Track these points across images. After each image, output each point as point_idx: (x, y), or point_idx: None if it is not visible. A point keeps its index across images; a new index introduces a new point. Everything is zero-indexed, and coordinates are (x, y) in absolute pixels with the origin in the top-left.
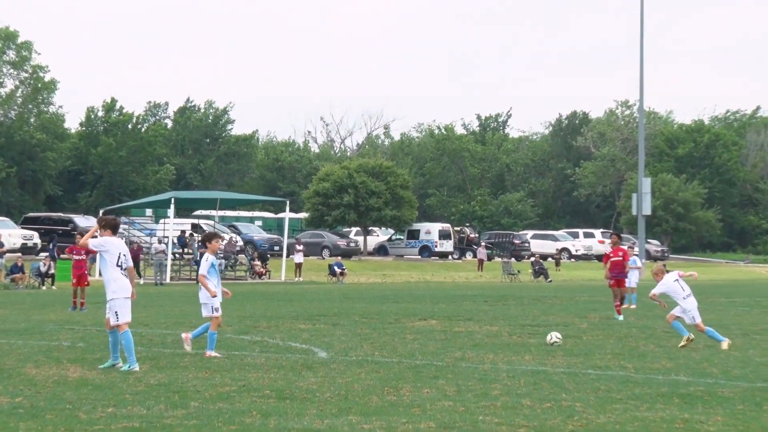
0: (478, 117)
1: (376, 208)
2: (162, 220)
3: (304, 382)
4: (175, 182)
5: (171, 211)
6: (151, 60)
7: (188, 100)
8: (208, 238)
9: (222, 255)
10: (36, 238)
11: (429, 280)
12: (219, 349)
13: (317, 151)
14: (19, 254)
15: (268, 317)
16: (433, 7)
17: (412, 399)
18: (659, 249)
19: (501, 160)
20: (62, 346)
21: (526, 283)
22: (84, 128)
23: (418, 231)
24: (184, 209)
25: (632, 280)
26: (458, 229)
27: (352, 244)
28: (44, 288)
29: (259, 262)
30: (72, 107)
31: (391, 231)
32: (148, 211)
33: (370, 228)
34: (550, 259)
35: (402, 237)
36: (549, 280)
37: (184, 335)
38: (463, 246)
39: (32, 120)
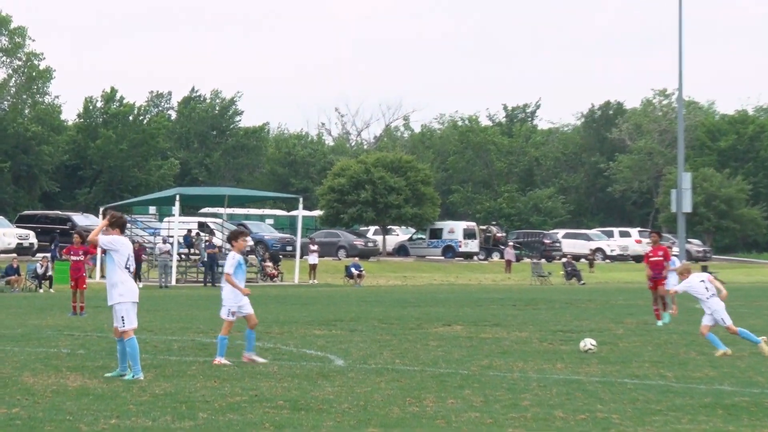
0: (505, 107)
1: (395, 205)
2: (166, 219)
3: (319, 392)
4: (180, 178)
5: (176, 209)
6: (153, 47)
7: (193, 89)
8: (235, 236)
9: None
10: (32, 238)
11: (453, 283)
12: (228, 356)
13: (332, 144)
14: (15, 255)
15: (281, 322)
16: None
17: (436, 410)
18: (701, 249)
19: (529, 154)
20: (61, 353)
21: (558, 286)
22: (82, 120)
23: (441, 230)
24: (190, 207)
25: (671, 282)
26: (484, 227)
27: (370, 244)
28: (41, 291)
29: (270, 264)
30: (69, 98)
31: (412, 230)
32: (152, 209)
33: (388, 227)
34: (583, 260)
35: (424, 236)
36: (582, 282)
37: (247, 358)
38: (490, 246)
39: (26, 111)
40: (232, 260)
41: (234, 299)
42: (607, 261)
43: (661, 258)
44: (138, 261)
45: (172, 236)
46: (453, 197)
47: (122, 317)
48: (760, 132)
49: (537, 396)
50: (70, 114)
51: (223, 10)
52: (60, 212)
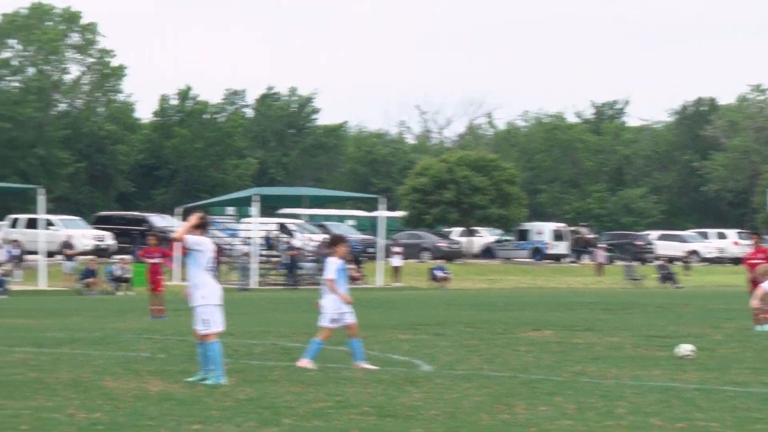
0: (593, 104)
1: (480, 205)
2: (245, 220)
3: (406, 398)
4: (258, 177)
5: (255, 210)
6: (228, 44)
7: (269, 87)
8: (335, 241)
9: (312, 258)
10: (109, 239)
11: (541, 286)
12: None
13: (413, 142)
14: (92, 257)
15: (365, 326)
16: None
17: (528, 418)
18: None
19: (619, 152)
20: (141, 357)
21: (651, 289)
22: (157, 119)
23: (529, 231)
24: (268, 207)
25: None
26: (573, 229)
27: (455, 246)
28: (120, 293)
29: (353, 266)
30: (143, 96)
31: (496, 231)
32: (231, 210)
33: (473, 228)
34: (677, 262)
35: (511, 238)
36: (677, 285)
37: (358, 367)
38: (579, 248)
39: (100, 110)
40: (333, 266)
41: (335, 306)
42: (703, 263)
43: (761, 261)
44: (217, 263)
45: (251, 237)
46: (540, 197)
47: (205, 320)
48: None
49: (632, 403)
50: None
51: (299, 4)
52: (137, 213)
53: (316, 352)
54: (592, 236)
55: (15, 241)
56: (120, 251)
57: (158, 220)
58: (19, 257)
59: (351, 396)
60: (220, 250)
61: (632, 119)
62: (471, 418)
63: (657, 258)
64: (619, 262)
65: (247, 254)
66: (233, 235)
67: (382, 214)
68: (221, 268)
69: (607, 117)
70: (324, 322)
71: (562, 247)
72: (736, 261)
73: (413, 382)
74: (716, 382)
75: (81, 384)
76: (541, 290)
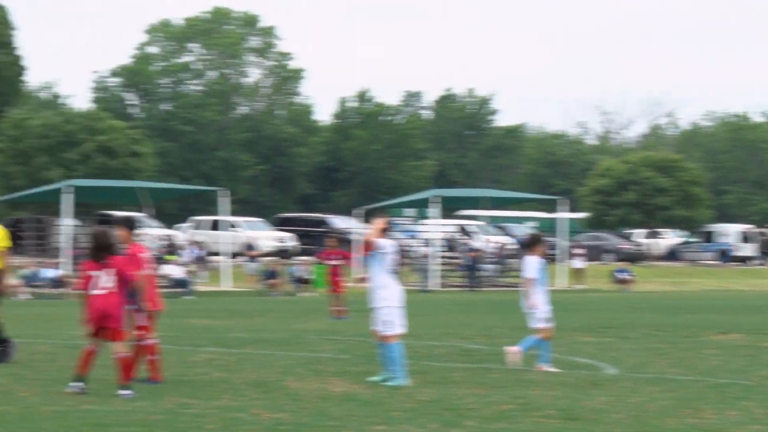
0: None
1: (664, 207)
2: (424, 221)
3: (590, 401)
4: (436, 179)
5: (434, 211)
6: (405, 46)
7: (447, 88)
8: (534, 241)
9: (493, 260)
10: (291, 241)
11: (727, 288)
12: (497, 362)
13: (593, 143)
14: (274, 258)
15: None
16: None
17: (716, 422)
18: None
19: None
20: (324, 357)
21: None
22: (337, 121)
23: (714, 233)
24: (447, 209)
25: None
26: (761, 230)
27: (638, 248)
28: (303, 294)
29: None
30: (322, 98)
31: (680, 232)
32: (410, 211)
33: (656, 230)
34: None
35: (698, 240)
36: None
37: (541, 368)
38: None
39: (281, 112)
40: (535, 265)
41: (543, 306)
42: None
43: None
44: (398, 264)
45: (431, 239)
46: (726, 198)
47: (385, 321)
48: None
49: None
50: (323, 115)
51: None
52: (317, 214)
53: (534, 346)
54: None
55: (199, 242)
56: (302, 252)
57: (338, 222)
58: (203, 258)
59: (534, 398)
60: (401, 252)
61: None
62: (657, 421)
63: None
64: None
65: (426, 256)
66: (412, 237)
67: (563, 215)
68: (402, 270)
69: None
70: (535, 324)
71: (749, 249)
72: None
73: (597, 385)
74: None
75: (265, 384)
76: (728, 293)
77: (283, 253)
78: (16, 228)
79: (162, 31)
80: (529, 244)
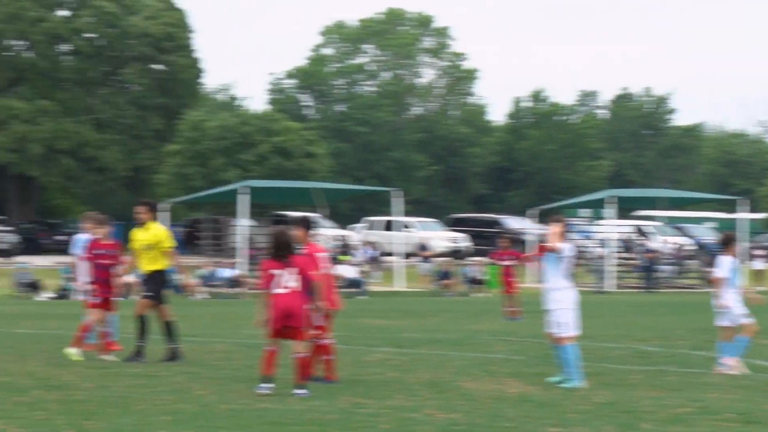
0: None
1: None
2: (600, 222)
3: None
4: (612, 179)
5: (610, 212)
6: (581, 45)
7: (624, 88)
8: (728, 241)
9: (671, 261)
10: (464, 241)
11: None
12: (673, 365)
13: None
14: (448, 258)
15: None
16: None
17: None
18: None
19: None
20: (498, 358)
21: None
22: (511, 121)
23: None
24: (623, 209)
25: None
26: None
27: None
28: (476, 295)
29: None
30: (496, 99)
31: None
32: (584, 212)
33: None
34: None
35: None
36: None
37: (726, 360)
38: None
39: (454, 113)
40: (727, 264)
41: (738, 305)
42: None
43: None
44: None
45: (607, 240)
46: None
47: (559, 323)
48: None
49: None
50: (496, 115)
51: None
52: (491, 215)
53: (740, 349)
54: None
55: (373, 242)
56: (475, 253)
57: (512, 222)
58: (377, 259)
59: (712, 402)
60: (576, 254)
61: None
62: None
63: None
64: None
65: (602, 257)
66: (587, 238)
67: (743, 216)
68: (577, 271)
69: None
70: (727, 321)
71: None
72: None
73: None
74: None
75: (439, 384)
76: None
77: (456, 254)
78: (193, 228)
79: (337, 32)
80: (723, 244)
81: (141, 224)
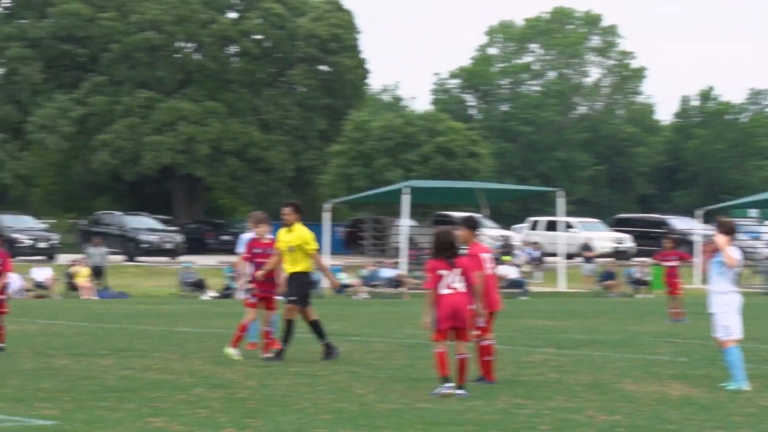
0: None
1: None
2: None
3: None
4: None
5: None
6: (751, 42)
7: None
8: None
9: None
10: (628, 242)
11: None
12: None
13: None
14: (612, 259)
15: None
16: None
17: None
18: None
19: None
20: (661, 360)
21: None
22: (678, 120)
23: None
24: None
25: None
26: None
27: None
28: (639, 296)
29: None
30: (663, 97)
31: None
32: (754, 212)
33: None
34: None
35: None
36: None
37: None
38: None
39: (621, 112)
40: None
41: None
42: None
43: None
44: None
45: None
46: None
47: (724, 326)
48: None
49: None
50: (663, 114)
51: None
52: (656, 215)
53: None
54: None
55: (535, 243)
56: (639, 254)
57: (678, 223)
58: (539, 259)
59: None
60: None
61: None
62: None
63: None
64: None
65: None
66: (756, 238)
67: None
68: (743, 272)
69: None
70: None
71: None
72: None
73: None
74: None
75: (601, 386)
76: None
77: (619, 254)
78: (356, 228)
79: (502, 32)
80: None
81: (286, 225)
